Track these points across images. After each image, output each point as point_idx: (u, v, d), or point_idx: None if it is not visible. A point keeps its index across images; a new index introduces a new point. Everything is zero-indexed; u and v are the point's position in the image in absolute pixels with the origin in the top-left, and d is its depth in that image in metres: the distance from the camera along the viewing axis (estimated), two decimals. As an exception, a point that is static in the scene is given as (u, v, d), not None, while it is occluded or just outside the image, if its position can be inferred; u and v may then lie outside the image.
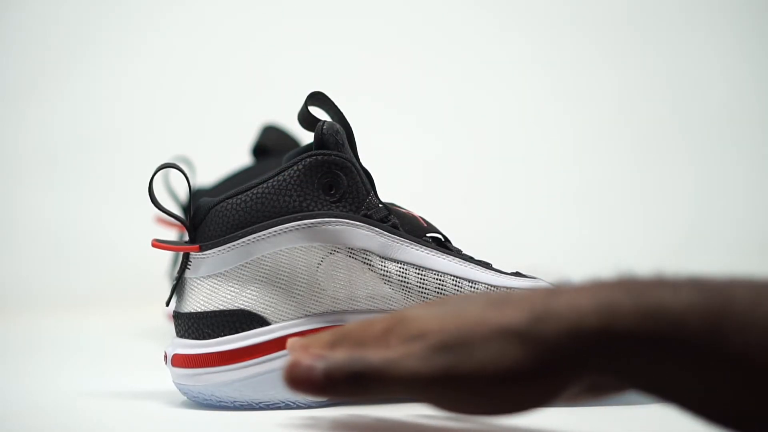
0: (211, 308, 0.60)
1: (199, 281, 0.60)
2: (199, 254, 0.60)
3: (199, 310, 0.60)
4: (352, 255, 0.59)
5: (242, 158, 1.13)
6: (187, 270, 0.60)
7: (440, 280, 0.60)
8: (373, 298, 0.59)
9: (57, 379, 0.76)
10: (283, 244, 0.59)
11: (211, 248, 0.59)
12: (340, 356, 0.45)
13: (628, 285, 0.42)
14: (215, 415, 0.59)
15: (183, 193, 1.03)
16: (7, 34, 1.50)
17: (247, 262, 0.59)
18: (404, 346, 0.44)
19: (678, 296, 0.41)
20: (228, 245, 0.59)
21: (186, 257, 0.60)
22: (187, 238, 0.61)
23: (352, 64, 1.56)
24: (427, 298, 0.59)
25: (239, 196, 0.60)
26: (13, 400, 0.67)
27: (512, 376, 0.42)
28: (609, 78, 1.61)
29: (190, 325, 0.60)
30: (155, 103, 1.52)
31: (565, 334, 0.41)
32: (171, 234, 1.10)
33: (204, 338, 0.60)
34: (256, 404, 0.60)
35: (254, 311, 0.59)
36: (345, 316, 0.59)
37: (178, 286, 0.61)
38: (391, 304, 0.59)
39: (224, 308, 0.59)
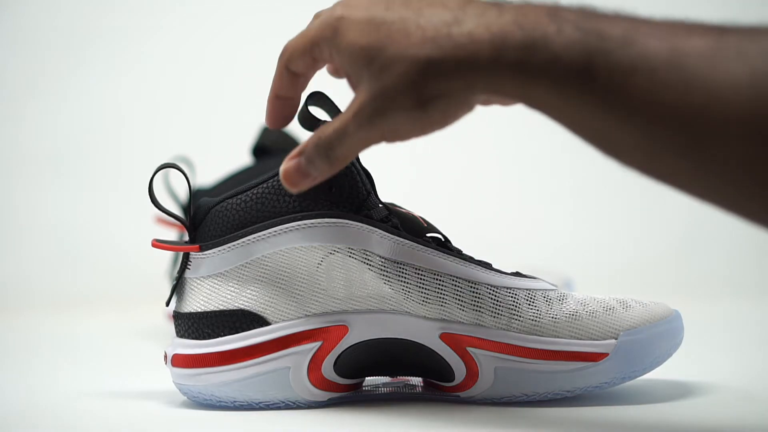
0: (211, 308, 0.60)
1: (199, 281, 0.60)
2: (199, 254, 0.60)
3: (199, 310, 0.60)
4: (352, 255, 0.59)
5: (242, 158, 1.13)
6: (187, 270, 0.60)
7: (440, 280, 0.60)
8: (373, 298, 0.59)
9: (57, 379, 0.76)
10: (283, 244, 0.59)
11: (211, 248, 0.59)
12: (309, 147, 0.55)
13: (521, 19, 0.48)
14: (215, 415, 0.59)
15: (183, 193, 1.03)
16: (8, 33, 1.50)
17: (247, 262, 0.59)
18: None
19: (561, 34, 0.47)
20: (228, 245, 0.59)
21: (186, 257, 0.60)
22: (187, 238, 0.61)
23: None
24: (427, 298, 0.59)
25: (239, 196, 0.60)
26: (13, 400, 0.67)
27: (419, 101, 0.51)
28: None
29: (190, 325, 0.60)
30: (155, 104, 1.52)
31: (464, 63, 0.49)
32: (171, 234, 1.10)
33: (204, 338, 0.60)
34: (256, 404, 0.60)
35: (254, 311, 0.59)
36: (345, 316, 0.59)
37: (178, 286, 0.61)
38: (391, 305, 0.59)
39: (224, 308, 0.59)
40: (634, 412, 0.59)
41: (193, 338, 0.60)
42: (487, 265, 0.62)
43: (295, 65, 0.57)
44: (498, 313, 0.60)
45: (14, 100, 1.49)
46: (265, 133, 1.01)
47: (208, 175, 1.08)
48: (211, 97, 1.53)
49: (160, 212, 0.60)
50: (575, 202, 1.62)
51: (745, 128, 0.43)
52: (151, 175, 0.59)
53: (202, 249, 0.59)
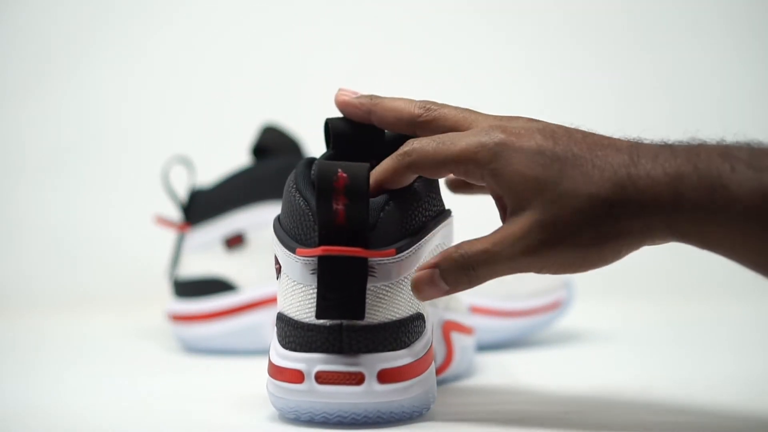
0: (410, 313, 0.55)
1: (392, 286, 0.54)
2: (393, 257, 0.54)
3: (400, 317, 0.54)
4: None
5: (242, 158, 1.13)
6: (372, 278, 0.53)
7: None
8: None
9: (57, 379, 0.76)
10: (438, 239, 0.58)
11: (405, 250, 0.54)
12: (448, 261, 0.53)
13: (694, 159, 0.50)
14: (215, 415, 0.59)
15: (183, 193, 1.03)
16: (9, 32, 1.50)
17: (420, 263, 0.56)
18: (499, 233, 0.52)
19: (735, 172, 0.49)
20: (417, 245, 0.55)
21: (365, 266, 0.52)
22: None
23: (351, 65, 1.56)
24: None
25: (405, 204, 0.56)
26: (14, 400, 0.67)
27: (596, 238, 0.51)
28: (608, 77, 1.61)
29: (389, 335, 0.53)
30: (155, 103, 1.52)
31: (646, 205, 0.50)
32: (170, 235, 1.10)
33: (403, 347, 0.54)
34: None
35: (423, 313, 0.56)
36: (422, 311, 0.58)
37: (361, 298, 0.52)
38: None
39: (410, 313, 0.55)
40: (633, 413, 0.59)
41: (391, 350, 0.53)
42: None
43: (422, 172, 0.55)
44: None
45: (14, 99, 1.49)
46: (265, 133, 1.01)
47: (208, 175, 1.08)
48: (211, 97, 1.53)
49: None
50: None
51: None
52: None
53: (398, 252, 0.54)
